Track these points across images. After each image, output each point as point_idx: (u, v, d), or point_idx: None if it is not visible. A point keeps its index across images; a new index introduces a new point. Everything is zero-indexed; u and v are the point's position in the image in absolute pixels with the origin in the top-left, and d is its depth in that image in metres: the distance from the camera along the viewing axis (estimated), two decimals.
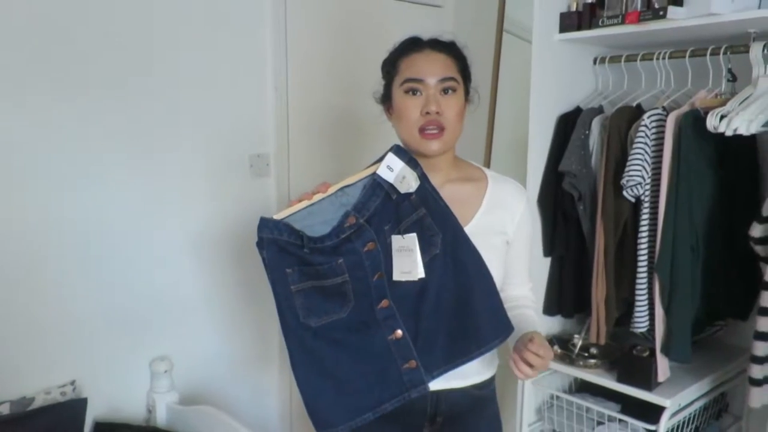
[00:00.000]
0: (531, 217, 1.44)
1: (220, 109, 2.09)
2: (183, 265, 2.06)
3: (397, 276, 1.27)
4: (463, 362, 1.30)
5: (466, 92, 1.37)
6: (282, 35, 2.17)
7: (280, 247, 1.25)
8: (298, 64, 2.22)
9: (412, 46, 1.35)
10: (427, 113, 1.28)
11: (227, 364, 2.21)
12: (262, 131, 2.23)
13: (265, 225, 1.26)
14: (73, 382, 1.80)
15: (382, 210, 1.28)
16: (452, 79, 1.31)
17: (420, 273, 1.26)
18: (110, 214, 1.87)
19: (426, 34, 1.37)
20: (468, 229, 1.33)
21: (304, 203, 1.28)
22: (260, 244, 1.26)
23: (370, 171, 1.30)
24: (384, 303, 1.26)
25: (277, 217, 1.27)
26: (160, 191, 1.98)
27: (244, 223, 2.20)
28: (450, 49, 1.35)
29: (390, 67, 1.36)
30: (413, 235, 1.27)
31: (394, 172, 1.27)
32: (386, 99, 1.38)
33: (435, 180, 1.34)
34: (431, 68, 1.30)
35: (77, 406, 1.76)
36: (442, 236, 1.27)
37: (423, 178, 1.30)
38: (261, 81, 2.19)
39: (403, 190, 1.27)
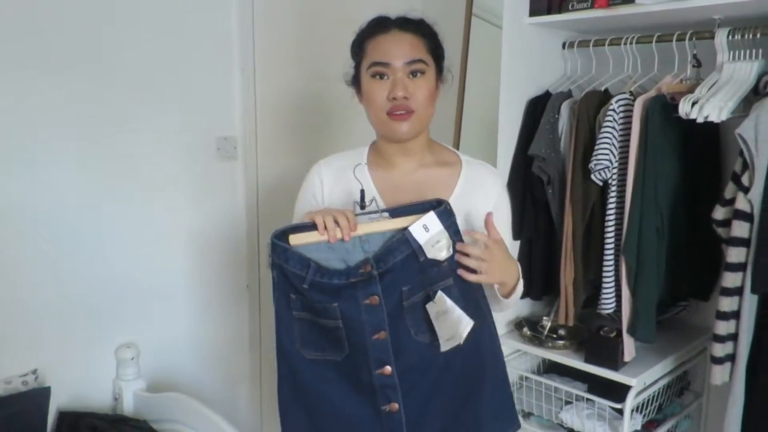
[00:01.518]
0: (507, 202, 1.39)
1: (185, 91, 2.03)
2: (149, 250, 2.01)
3: (444, 346, 1.17)
4: None
5: (439, 71, 1.32)
6: (248, 14, 2.12)
7: (285, 274, 1.19)
8: (266, 45, 2.17)
9: (378, 27, 1.30)
10: (394, 98, 1.24)
11: (196, 351, 2.17)
12: (229, 114, 2.17)
13: (274, 249, 1.18)
14: (35, 371, 1.74)
15: (401, 268, 1.17)
16: (420, 61, 1.26)
17: (463, 336, 1.17)
18: (70, 198, 1.81)
19: (394, 12, 1.31)
20: None
21: (324, 238, 1.18)
22: (272, 265, 1.20)
23: (403, 223, 1.18)
24: (386, 370, 1.18)
25: (293, 241, 1.18)
26: (123, 175, 1.91)
27: (211, 207, 2.16)
28: (418, 27, 1.30)
29: (357, 49, 1.32)
30: (442, 295, 1.17)
31: (429, 233, 1.16)
32: (356, 82, 1.34)
33: (408, 165, 1.31)
34: (398, 50, 1.25)
35: (40, 396, 1.70)
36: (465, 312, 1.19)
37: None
38: (227, 62, 2.14)
39: (430, 255, 1.16)
